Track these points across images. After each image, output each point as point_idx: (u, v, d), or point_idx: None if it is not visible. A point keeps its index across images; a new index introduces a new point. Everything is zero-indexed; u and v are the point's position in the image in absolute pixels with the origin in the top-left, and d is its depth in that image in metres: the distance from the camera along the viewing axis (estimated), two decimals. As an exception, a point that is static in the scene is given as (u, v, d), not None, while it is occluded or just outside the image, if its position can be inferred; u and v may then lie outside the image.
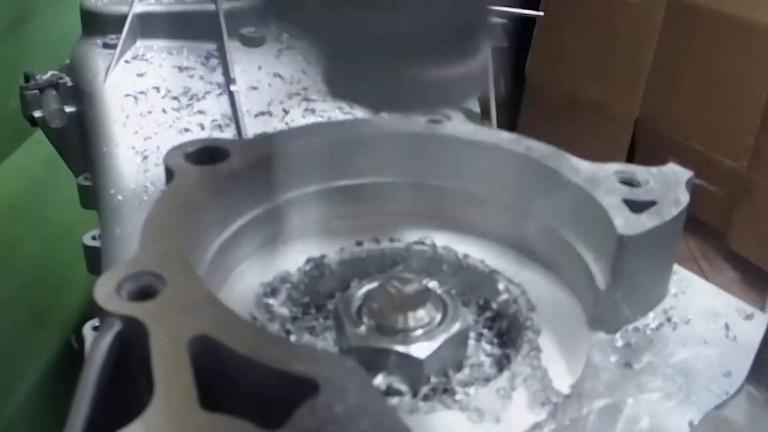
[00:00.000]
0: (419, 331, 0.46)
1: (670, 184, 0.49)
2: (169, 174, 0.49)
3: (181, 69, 0.92)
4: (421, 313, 0.46)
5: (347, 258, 0.55)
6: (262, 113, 0.82)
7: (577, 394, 0.43)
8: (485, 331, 0.52)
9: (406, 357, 0.44)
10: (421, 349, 0.45)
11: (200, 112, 0.83)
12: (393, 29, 0.33)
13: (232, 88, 0.85)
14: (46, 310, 1.38)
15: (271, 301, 0.51)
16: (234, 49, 0.94)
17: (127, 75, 0.91)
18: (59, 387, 1.28)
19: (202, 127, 0.80)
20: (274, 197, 0.54)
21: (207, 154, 0.51)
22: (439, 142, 0.56)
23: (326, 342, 0.50)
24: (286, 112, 0.83)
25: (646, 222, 0.46)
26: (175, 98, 0.85)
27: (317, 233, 0.57)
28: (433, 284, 0.50)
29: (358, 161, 0.56)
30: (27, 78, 0.97)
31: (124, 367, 0.36)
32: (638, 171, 0.51)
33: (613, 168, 0.51)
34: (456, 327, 0.46)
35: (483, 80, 0.36)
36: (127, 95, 0.86)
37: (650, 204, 0.47)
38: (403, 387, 0.44)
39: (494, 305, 0.52)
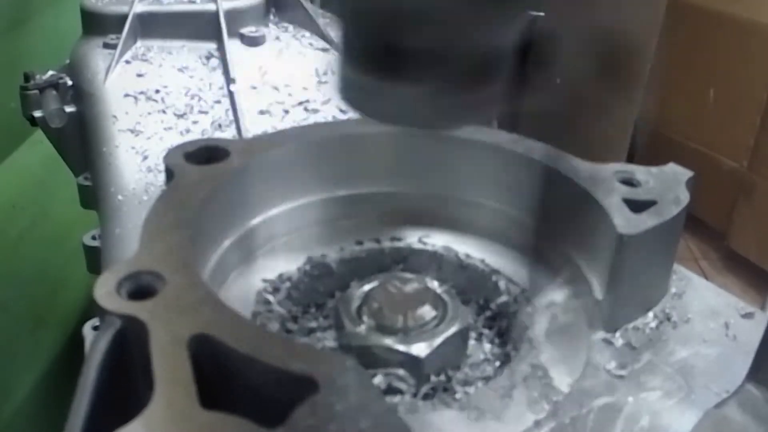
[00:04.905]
0: (419, 330, 0.46)
1: (670, 183, 0.49)
2: (169, 174, 0.49)
3: (181, 69, 0.92)
4: (421, 313, 0.46)
5: (347, 257, 0.55)
6: (262, 113, 0.82)
7: (577, 393, 0.43)
8: (485, 331, 0.52)
9: (406, 356, 0.44)
10: (421, 348, 0.45)
11: (200, 111, 0.83)
12: (414, 46, 0.33)
13: (232, 88, 0.85)
14: (46, 310, 1.38)
15: (271, 300, 0.51)
16: (234, 49, 0.94)
17: (127, 75, 0.91)
18: (59, 387, 1.28)
19: (202, 126, 0.80)
20: (274, 199, 0.54)
21: (207, 154, 0.51)
22: (440, 143, 0.56)
23: (326, 341, 0.50)
24: (286, 112, 0.83)
25: (646, 221, 0.46)
26: (175, 98, 0.85)
27: (317, 233, 0.57)
28: (433, 284, 0.50)
29: (359, 162, 0.56)
30: (27, 78, 0.97)
31: (124, 366, 0.36)
32: (638, 171, 0.51)
33: (613, 168, 0.51)
34: (456, 326, 0.46)
35: (499, 101, 0.36)
36: (127, 95, 0.86)
37: (650, 204, 0.47)
38: (403, 386, 0.44)
39: (494, 305, 0.52)
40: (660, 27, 2.25)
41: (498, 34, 0.34)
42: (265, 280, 0.52)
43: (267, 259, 0.54)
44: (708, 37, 2.16)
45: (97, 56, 0.95)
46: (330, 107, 0.83)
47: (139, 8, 0.98)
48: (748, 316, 0.49)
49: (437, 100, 0.35)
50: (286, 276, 0.53)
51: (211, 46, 0.96)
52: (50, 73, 0.98)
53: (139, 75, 0.91)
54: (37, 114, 0.96)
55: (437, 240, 0.56)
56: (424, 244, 0.56)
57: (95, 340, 0.36)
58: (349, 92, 0.37)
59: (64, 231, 1.31)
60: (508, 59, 0.35)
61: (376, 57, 0.34)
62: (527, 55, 0.35)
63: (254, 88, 0.87)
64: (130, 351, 0.36)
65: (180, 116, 0.82)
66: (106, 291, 0.37)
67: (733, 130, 2.14)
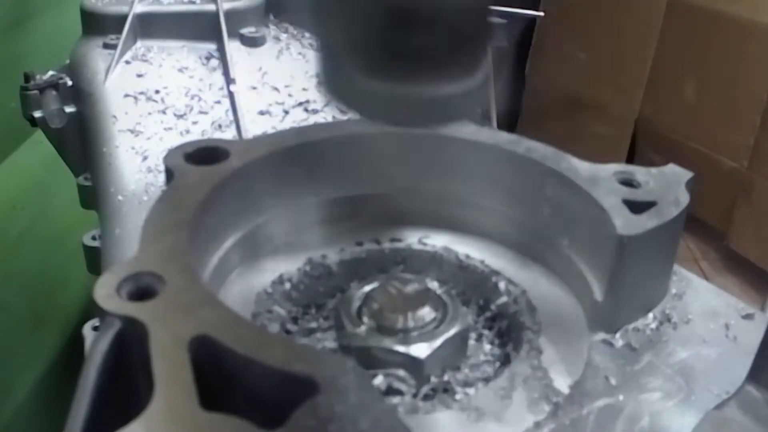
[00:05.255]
0: (419, 331, 0.46)
1: (670, 184, 0.49)
2: (169, 174, 0.49)
3: (181, 69, 0.92)
4: (421, 313, 0.46)
5: (348, 258, 0.55)
6: (262, 114, 0.82)
7: (577, 394, 0.43)
8: (485, 332, 0.52)
9: (406, 357, 0.44)
10: (421, 349, 0.45)
11: (200, 112, 0.83)
12: (400, 43, 0.33)
13: (232, 88, 0.85)
14: (46, 310, 1.38)
15: (271, 300, 0.51)
16: (234, 49, 0.94)
17: (127, 75, 0.91)
18: (59, 387, 1.28)
19: (202, 127, 0.80)
20: (274, 200, 0.54)
21: (207, 154, 0.51)
22: (439, 143, 0.56)
23: (326, 342, 0.50)
24: (286, 112, 0.83)
25: (646, 222, 0.46)
26: (175, 99, 0.85)
27: (318, 234, 0.57)
28: (433, 284, 0.50)
29: (359, 163, 0.56)
30: (27, 78, 0.97)
31: (124, 367, 0.36)
32: (638, 171, 0.51)
33: (612, 168, 0.51)
34: (456, 327, 0.46)
35: (484, 96, 0.36)
36: (127, 95, 0.86)
37: (650, 204, 0.47)
38: (403, 387, 0.44)
39: (494, 305, 0.52)
40: (659, 26, 2.26)
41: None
42: (265, 281, 0.52)
43: (267, 260, 0.54)
44: (708, 37, 2.16)
45: (97, 56, 0.94)
46: (330, 108, 0.83)
47: (139, 8, 0.98)
48: (748, 317, 0.49)
49: (422, 98, 0.34)
50: (286, 277, 0.53)
51: (211, 46, 0.96)
52: (50, 73, 0.98)
53: (139, 75, 0.91)
54: (37, 114, 0.96)
55: (437, 241, 0.56)
56: (424, 245, 0.56)
57: (95, 341, 0.36)
58: (333, 87, 0.37)
59: (64, 231, 1.31)
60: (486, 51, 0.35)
61: (365, 55, 0.34)
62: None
63: (254, 88, 0.87)
64: (130, 352, 0.36)
65: (180, 117, 0.82)
66: (106, 292, 0.37)
67: (733, 130, 2.14)
